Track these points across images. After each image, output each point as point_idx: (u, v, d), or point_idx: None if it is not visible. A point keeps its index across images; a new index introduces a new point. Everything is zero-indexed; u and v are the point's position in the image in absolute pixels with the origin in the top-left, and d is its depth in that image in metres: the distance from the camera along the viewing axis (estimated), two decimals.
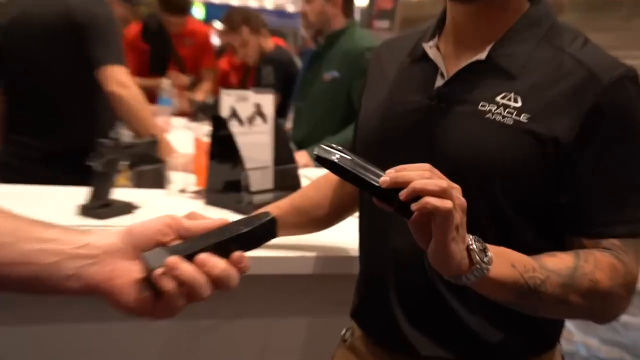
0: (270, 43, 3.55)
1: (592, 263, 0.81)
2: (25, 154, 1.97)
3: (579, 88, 0.83)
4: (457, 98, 0.90)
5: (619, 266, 0.82)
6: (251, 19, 3.42)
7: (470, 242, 0.71)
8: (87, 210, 1.38)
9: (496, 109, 0.86)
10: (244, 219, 0.63)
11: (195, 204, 1.58)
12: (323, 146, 0.69)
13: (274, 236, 0.64)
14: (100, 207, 1.39)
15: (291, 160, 1.66)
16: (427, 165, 0.68)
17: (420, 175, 0.66)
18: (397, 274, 0.95)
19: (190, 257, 0.55)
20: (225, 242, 0.57)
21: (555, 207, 0.87)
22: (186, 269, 0.53)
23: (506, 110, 0.85)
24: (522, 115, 0.84)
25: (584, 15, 5.06)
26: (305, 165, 2.16)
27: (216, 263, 0.55)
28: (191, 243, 0.58)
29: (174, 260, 0.54)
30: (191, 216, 0.67)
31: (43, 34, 1.91)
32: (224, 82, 3.85)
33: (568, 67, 0.85)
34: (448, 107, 0.90)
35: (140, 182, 1.69)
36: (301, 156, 2.21)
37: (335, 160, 0.68)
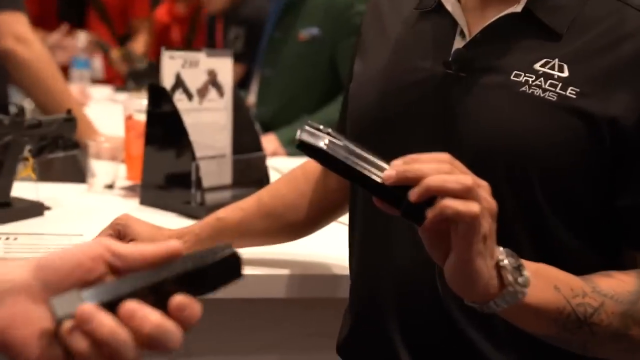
0: None
1: None
2: None
3: None
4: (482, 65, 0.90)
5: None
6: None
7: (500, 258, 0.70)
8: None
9: (534, 80, 0.85)
10: (206, 250, 0.59)
11: (127, 204, 1.57)
12: (308, 128, 0.68)
13: (238, 276, 0.59)
14: None
15: (257, 146, 1.66)
16: (445, 156, 0.67)
17: (436, 169, 0.65)
18: (400, 298, 0.95)
19: (112, 306, 0.50)
20: (163, 283, 0.53)
21: (612, 211, 0.86)
22: (104, 323, 0.48)
23: (548, 82, 0.85)
24: (569, 88, 0.84)
25: None
26: (274, 153, 2.16)
27: (147, 315, 0.49)
28: (119, 284, 0.54)
29: (87, 310, 0.48)
30: (126, 230, 0.69)
31: None
32: (162, 39, 3.83)
33: (633, 25, 0.85)
34: (470, 76, 0.89)
35: (51, 174, 1.66)
36: (269, 141, 2.20)
37: (324, 148, 0.66)
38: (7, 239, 1.28)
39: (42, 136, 1.44)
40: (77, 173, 1.68)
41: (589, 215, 0.87)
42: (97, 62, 3.38)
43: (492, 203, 0.67)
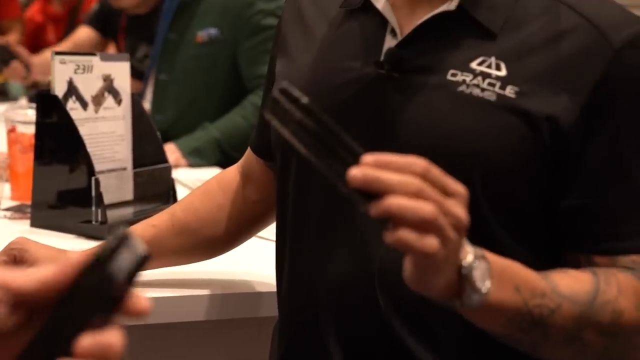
0: None
1: (615, 287, 0.80)
2: None
3: (583, 51, 0.84)
4: (416, 64, 0.89)
5: None
6: None
7: (465, 264, 0.68)
8: None
9: (472, 80, 0.85)
10: (103, 252, 0.49)
11: (15, 226, 1.48)
12: (288, 87, 0.63)
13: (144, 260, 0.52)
14: None
15: (160, 157, 1.61)
16: (421, 165, 0.62)
17: (403, 185, 0.61)
18: (338, 311, 0.93)
19: None
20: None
21: (555, 213, 0.87)
22: None
23: (486, 81, 0.85)
24: (508, 87, 0.84)
25: None
26: (176, 165, 2.10)
27: None
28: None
29: None
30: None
31: None
32: (36, 40, 3.75)
33: (568, 22, 0.85)
34: (404, 76, 0.89)
35: None
36: (169, 151, 2.11)
37: (299, 119, 0.62)
38: None
39: None
40: None
41: (531, 218, 0.88)
42: None
43: (462, 218, 0.64)
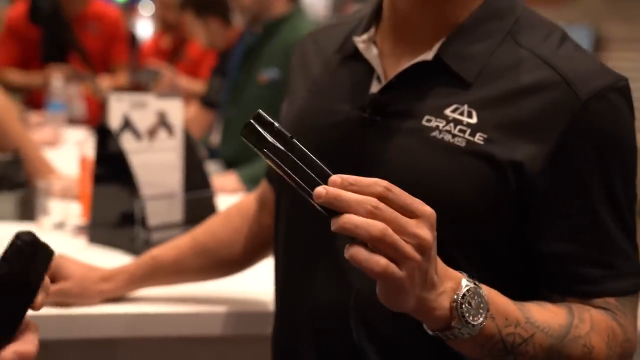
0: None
1: (589, 323, 0.80)
2: None
3: (552, 103, 0.83)
4: (396, 109, 0.90)
5: (617, 331, 0.82)
6: None
7: (455, 296, 0.69)
8: None
9: (445, 126, 0.86)
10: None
11: (75, 242, 1.56)
12: (261, 116, 0.66)
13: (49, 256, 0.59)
14: None
15: (206, 184, 1.66)
16: (382, 185, 0.64)
17: (360, 203, 0.62)
18: (317, 335, 0.95)
19: None
20: None
21: (529, 256, 0.87)
22: None
23: (457, 128, 0.85)
24: (477, 134, 0.84)
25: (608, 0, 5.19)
26: (234, 191, 2.16)
27: None
28: None
29: None
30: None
31: None
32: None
33: (540, 75, 0.85)
34: (385, 120, 0.90)
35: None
36: (229, 179, 2.22)
37: (271, 142, 0.65)
38: None
39: None
40: (26, 212, 1.66)
41: (501, 258, 0.87)
42: (77, 102, 3.39)
43: (425, 239, 0.64)
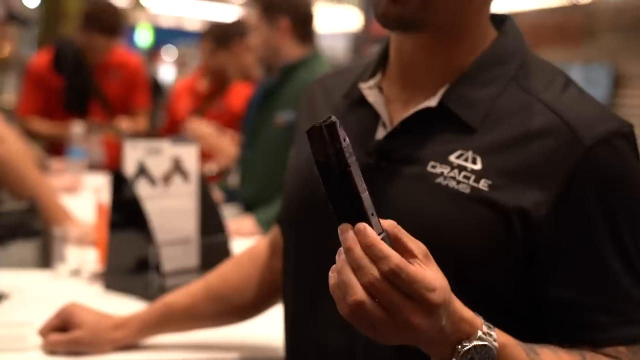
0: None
1: None
2: None
3: (556, 149, 0.83)
4: (401, 155, 0.90)
5: None
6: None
7: (463, 345, 0.69)
8: None
9: (449, 172, 0.86)
10: None
11: (92, 289, 1.55)
12: (336, 124, 0.66)
13: None
14: None
15: (221, 229, 1.66)
16: (390, 267, 0.64)
17: (364, 273, 0.64)
18: None
19: None
20: None
21: (534, 304, 0.86)
22: None
23: (462, 174, 0.85)
24: (482, 180, 0.84)
25: (624, 36, 5.20)
26: (251, 234, 2.16)
27: None
28: None
29: None
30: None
31: None
32: (173, 109, 3.86)
33: (543, 120, 0.85)
34: (390, 166, 0.90)
35: (12, 261, 1.64)
36: (246, 222, 2.22)
37: (350, 165, 0.66)
38: None
39: (1, 226, 1.44)
40: (43, 259, 1.67)
41: (509, 304, 0.86)
42: (97, 149, 3.43)
43: (412, 285, 0.64)
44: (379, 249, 0.64)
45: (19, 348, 1.20)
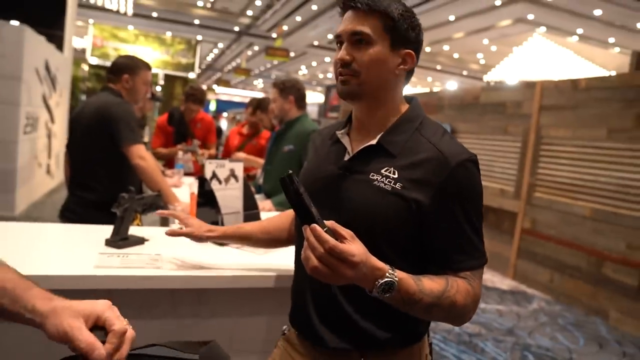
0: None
1: (455, 288, 0.79)
2: (81, 202, 1.95)
3: (435, 167, 0.82)
4: (356, 169, 0.88)
5: (470, 290, 0.81)
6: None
7: (379, 281, 0.70)
8: (111, 243, 1.35)
9: (381, 178, 0.84)
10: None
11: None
12: (293, 176, 0.66)
13: None
14: (120, 240, 1.36)
15: (255, 207, 1.64)
16: (326, 247, 0.66)
17: (314, 249, 0.67)
18: (312, 289, 0.92)
19: None
20: None
21: (426, 251, 0.85)
22: None
23: (387, 180, 0.83)
24: (398, 183, 0.82)
25: (457, 110, 5.29)
26: (270, 210, 2.13)
27: None
28: None
29: None
30: None
31: (88, 125, 1.93)
32: (229, 143, 3.77)
33: (430, 152, 0.84)
34: (350, 175, 0.88)
35: (149, 222, 1.65)
36: (267, 203, 2.18)
37: (302, 192, 0.66)
38: (124, 256, 1.26)
39: (144, 204, 1.45)
40: (164, 222, 1.67)
41: (411, 250, 0.85)
42: (189, 163, 3.39)
43: (332, 250, 0.66)
44: (323, 237, 0.66)
45: (155, 267, 1.20)
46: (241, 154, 2.98)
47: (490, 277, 4.47)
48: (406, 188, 0.82)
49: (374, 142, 0.87)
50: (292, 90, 2.38)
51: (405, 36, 0.86)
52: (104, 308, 0.56)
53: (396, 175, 0.83)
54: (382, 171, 0.84)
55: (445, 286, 0.79)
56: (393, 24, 0.85)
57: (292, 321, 1.00)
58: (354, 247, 0.68)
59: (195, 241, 1.13)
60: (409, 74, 0.90)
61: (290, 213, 1.17)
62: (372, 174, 0.85)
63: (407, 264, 0.81)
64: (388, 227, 0.82)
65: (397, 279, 0.72)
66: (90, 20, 11.83)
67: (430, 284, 0.78)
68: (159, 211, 1.27)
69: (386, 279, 0.71)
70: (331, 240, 0.66)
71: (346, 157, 0.90)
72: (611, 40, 10.39)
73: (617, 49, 10.98)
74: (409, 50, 0.87)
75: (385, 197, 0.82)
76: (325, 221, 0.69)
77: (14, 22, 4.79)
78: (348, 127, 0.95)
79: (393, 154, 0.85)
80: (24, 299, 0.55)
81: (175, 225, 1.24)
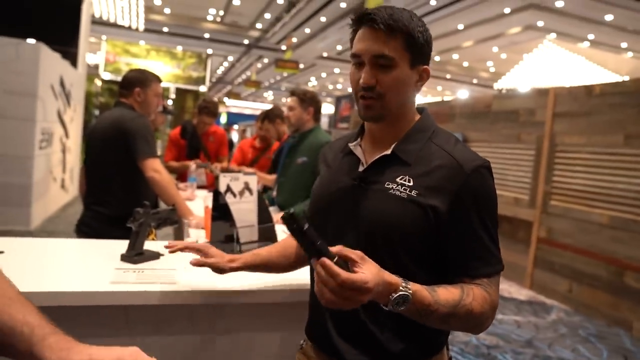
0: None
1: (472, 296, 0.79)
2: (97, 217, 1.96)
3: (450, 174, 0.82)
4: (371, 179, 0.88)
5: (487, 297, 0.81)
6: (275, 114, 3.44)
7: (392, 295, 0.70)
8: (126, 258, 1.35)
9: (396, 187, 0.84)
10: None
11: None
12: (294, 214, 0.66)
13: None
14: (135, 255, 1.36)
15: (270, 220, 1.63)
16: (337, 282, 0.66)
17: (326, 284, 0.66)
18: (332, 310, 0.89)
19: None
20: None
21: (443, 259, 0.84)
22: None
23: (403, 188, 0.84)
24: (413, 191, 0.83)
25: (469, 119, 5.27)
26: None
27: None
28: None
29: None
30: None
31: (104, 139, 1.95)
32: (242, 156, 3.75)
33: (444, 159, 0.84)
34: (365, 185, 0.88)
35: (165, 237, 1.65)
36: (280, 216, 2.18)
37: (306, 228, 0.65)
38: (140, 271, 1.26)
39: (159, 219, 1.44)
40: (179, 236, 1.66)
41: (429, 259, 0.84)
42: (202, 176, 3.41)
43: (339, 283, 0.66)
44: (333, 271, 0.66)
45: (170, 282, 1.19)
46: (249, 170, 2.98)
47: (507, 287, 4.39)
48: (422, 195, 0.82)
49: (388, 152, 0.88)
50: (312, 102, 2.38)
51: (422, 52, 0.87)
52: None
53: (412, 183, 0.83)
54: (398, 180, 0.85)
55: (461, 295, 0.78)
56: (414, 42, 0.85)
57: (308, 334, 0.99)
58: (367, 273, 0.68)
59: (217, 272, 1.09)
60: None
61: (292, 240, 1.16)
62: (387, 183, 0.85)
63: (425, 272, 0.82)
64: (405, 234, 0.82)
65: (411, 291, 0.72)
66: (103, 37, 12.08)
67: (446, 294, 0.77)
68: (170, 243, 1.16)
69: (400, 293, 0.71)
70: (342, 274, 0.66)
71: (360, 168, 0.90)
72: (623, 45, 10.29)
73: (630, 54, 10.86)
74: (426, 67, 0.88)
75: (402, 205, 0.82)
76: (331, 248, 0.68)
77: (30, 40, 4.90)
78: (360, 139, 0.95)
79: (407, 162, 0.86)
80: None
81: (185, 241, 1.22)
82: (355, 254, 0.69)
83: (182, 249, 1.13)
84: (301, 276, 1.24)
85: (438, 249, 0.83)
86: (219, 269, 1.10)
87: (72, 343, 0.51)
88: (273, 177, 2.81)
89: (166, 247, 1.15)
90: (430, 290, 0.76)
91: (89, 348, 0.51)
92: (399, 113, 0.89)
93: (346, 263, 0.68)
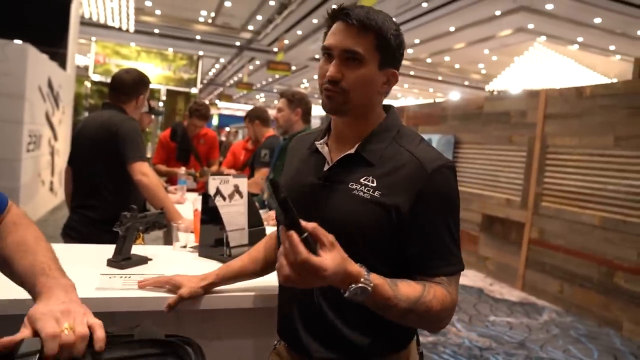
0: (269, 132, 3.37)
1: (432, 294, 0.80)
2: (83, 220, 1.93)
3: (412, 174, 0.83)
4: (336, 179, 0.88)
5: (447, 296, 0.81)
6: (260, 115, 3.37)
7: (352, 286, 0.70)
8: (113, 263, 1.32)
9: (360, 187, 0.85)
10: None
11: (191, 256, 1.51)
12: (276, 182, 0.68)
13: None
14: (122, 260, 1.33)
15: (260, 223, 1.62)
16: (300, 259, 0.66)
17: (287, 256, 0.66)
18: (297, 301, 0.93)
19: None
20: None
21: (402, 255, 0.85)
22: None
23: (366, 188, 0.84)
24: (376, 191, 0.83)
25: (460, 120, 5.30)
26: (275, 224, 2.10)
27: None
28: None
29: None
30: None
31: (93, 141, 1.92)
32: (234, 158, 3.72)
33: (407, 159, 0.85)
34: (330, 185, 0.88)
35: (152, 241, 1.62)
36: (270, 217, 2.15)
37: (286, 196, 0.66)
38: (126, 277, 1.24)
39: (147, 222, 1.42)
40: (168, 239, 1.64)
41: (391, 256, 0.85)
42: (192, 181, 3.40)
43: (298, 259, 0.65)
44: (297, 249, 0.66)
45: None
46: (230, 171, 2.96)
47: (499, 289, 4.40)
48: (385, 195, 0.82)
49: (352, 151, 0.88)
50: (300, 103, 2.36)
51: (393, 56, 0.87)
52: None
53: (375, 184, 0.84)
54: (361, 180, 0.85)
55: (421, 292, 0.79)
56: (385, 43, 0.84)
57: (280, 333, 0.99)
58: (328, 260, 0.68)
59: (192, 298, 1.09)
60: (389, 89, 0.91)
61: (272, 238, 1.16)
62: (351, 183, 0.85)
63: (390, 270, 0.82)
64: (369, 234, 0.83)
65: (372, 284, 0.72)
66: (93, 38, 11.97)
67: (407, 290, 0.78)
68: (142, 280, 1.15)
69: (360, 285, 0.72)
70: (304, 253, 0.66)
71: (325, 167, 0.91)
72: (612, 47, 10.43)
73: (618, 57, 11.00)
74: (394, 70, 0.88)
75: (365, 205, 0.83)
76: (308, 223, 0.68)
77: (18, 41, 4.84)
78: (326, 137, 0.95)
79: (371, 162, 0.86)
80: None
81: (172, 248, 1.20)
82: (327, 238, 0.69)
83: (152, 284, 1.14)
84: (272, 281, 1.22)
85: (401, 248, 0.84)
86: (195, 294, 1.10)
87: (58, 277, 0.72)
88: (252, 180, 2.77)
89: (138, 283, 1.16)
90: (392, 285, 0.77)
91: (59, 289, 0.70)
92: (362, 112, 0.89)
93: (315, 243, 0.68)
